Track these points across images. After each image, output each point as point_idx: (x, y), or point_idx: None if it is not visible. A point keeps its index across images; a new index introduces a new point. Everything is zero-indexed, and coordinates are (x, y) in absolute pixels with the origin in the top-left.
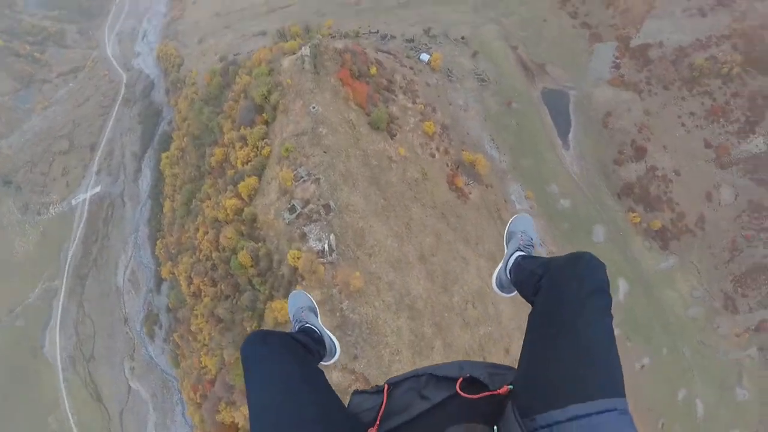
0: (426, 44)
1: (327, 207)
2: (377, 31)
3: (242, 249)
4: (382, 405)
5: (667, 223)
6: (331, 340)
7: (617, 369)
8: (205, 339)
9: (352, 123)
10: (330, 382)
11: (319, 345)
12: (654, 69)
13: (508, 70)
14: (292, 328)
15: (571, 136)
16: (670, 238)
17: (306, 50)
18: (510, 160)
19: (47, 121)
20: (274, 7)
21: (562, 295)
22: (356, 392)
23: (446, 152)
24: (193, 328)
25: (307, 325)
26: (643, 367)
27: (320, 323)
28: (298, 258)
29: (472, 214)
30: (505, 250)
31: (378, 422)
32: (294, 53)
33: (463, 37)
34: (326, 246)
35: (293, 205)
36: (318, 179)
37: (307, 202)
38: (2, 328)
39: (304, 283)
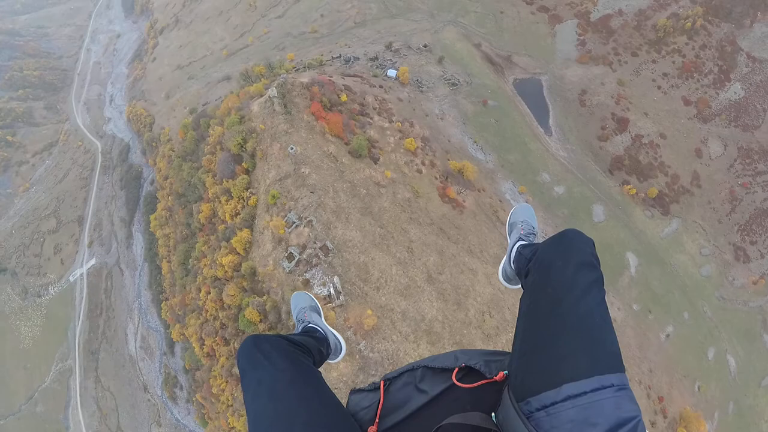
0: (390, 59)
1: (325, 248)
2: (339, 56)
3: (248, 305)
4: (379, 402)
5: (663, 188)
6: (335, 337)
7: (612, 343)
8: (228, 400)
9: (333, 156)
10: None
11: (322, 344)
12: (619, 38)
13: (476, 69)
14: (295, 328)
15: (551, 121)
16: (669, 202)
17: (273, 91)
18: (496, 159)
19: (31, 203)
20: (233, 50)
21: (549, 274)
22: (354, 391)
23: (432, 165)
24: (214, 390)
25: (310, 324)
26: (668, 336)
27: (323, 322)
28: None
29: (471, 222)
30: (508, 242)
31: (377, 420)
32: (262, 95)
33: (425, 45)
34: (332, 290)
35: (291, 252)
36: (310, 221)
37: (304, 247)
38: (23, 418)
39: None
